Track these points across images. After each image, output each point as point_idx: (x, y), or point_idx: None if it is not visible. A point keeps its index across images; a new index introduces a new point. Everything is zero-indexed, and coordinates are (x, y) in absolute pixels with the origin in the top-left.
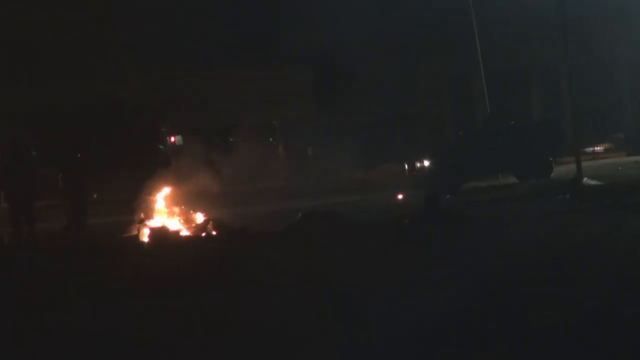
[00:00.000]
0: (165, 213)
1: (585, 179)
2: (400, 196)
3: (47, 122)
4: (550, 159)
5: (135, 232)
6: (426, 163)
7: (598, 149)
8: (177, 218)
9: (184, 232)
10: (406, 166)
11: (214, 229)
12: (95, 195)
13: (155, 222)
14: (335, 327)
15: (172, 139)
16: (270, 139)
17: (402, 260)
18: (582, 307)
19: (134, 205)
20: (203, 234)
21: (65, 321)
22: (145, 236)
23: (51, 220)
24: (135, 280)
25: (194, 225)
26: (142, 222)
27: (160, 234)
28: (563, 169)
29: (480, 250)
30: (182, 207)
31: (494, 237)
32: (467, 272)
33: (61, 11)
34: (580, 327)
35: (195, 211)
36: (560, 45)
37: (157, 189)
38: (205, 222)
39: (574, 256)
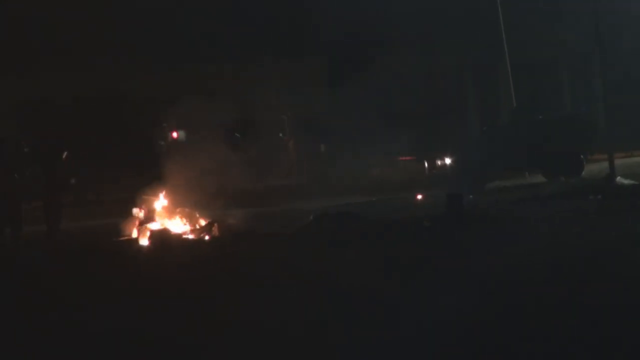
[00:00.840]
0: (167, 214)
1: (618, 178)
2: (420, 196)
3: (38, 117)
4: (581, 156)
5: (134, 235)
6: (447, 160)
7: None
8: (180, 219)
9: (187, 235)
10: (426, 164)
11: (220, 231)
12: (73, 181)
13: (156, 223)
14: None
15: (174, 134)
16: (280, 135)
17: (422, 265)
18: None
19: (133, 205)
20: (207, 237)
21: (57, 329)
22: (145, 239)
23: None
24: (132, 287)
25: (197, 227)
26: (142, 223)
27: (161, 237)
28: (595, 167)
29: (505, 254)
30: (185, 207)
31: (521, 241)
32: (490, 277)
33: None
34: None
35: (199, 212)
36: (595, 33)
37: (158, 188)
38: (210, 223)
39: (608, 261)
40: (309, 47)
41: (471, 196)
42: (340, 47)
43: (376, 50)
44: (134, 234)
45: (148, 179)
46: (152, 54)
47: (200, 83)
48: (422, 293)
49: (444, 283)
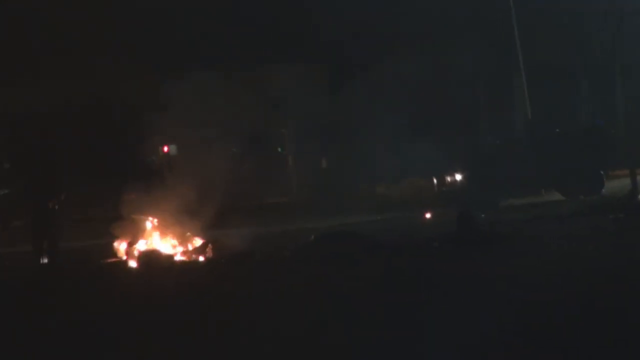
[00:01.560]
0: (158, 234)
1: None
2: (428, 215)
3: (18, 127)
4: (601, 172)
5: (122, 257)
6: (458, 177)
7: None
8: (172, 240)
9: (179, 257)
10: (435, 180)
11: (214, 252)
12: (63, 197)
13: (146, 244)
14: None
15: (165, 148)
16: (279, 149)
17: (427, 290)
18: None
19: (121, 225)
20: (201, 259)
21: None
22: (134, 261)
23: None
24: (117, 315)
25: (190, 248)
26: (130, 244)
27: (151, 259)
28: (616, 184)
29: (518, 279)
30: (177, 227)
31: (536, 264)
32: (501, 305)
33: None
34: None
35: (192, 232)
36: (613, 40)
37: (148, 206)
38: (204, 244)
39: (631, 285)
40: (310, 54)
41: (483, 215)
42: (343, 55)
43: (382, 58)
44: (123, 256)
45: (137, 195)
46: (139, 59)
47: (193, 93)
48: (424, 321)
49: (451, 308)
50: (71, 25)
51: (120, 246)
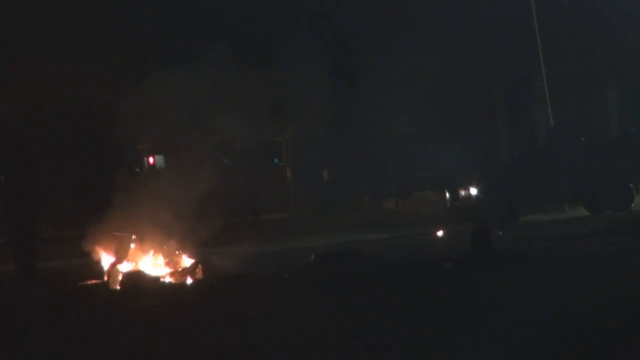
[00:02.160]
0: (142, 254)
1: None
2: (440, 232)
3: None
4: (631, 185)
5: (102, 278)
6: (473, 190)
7: None
8: (158, 260)
9: (166, 278)
10: (448, 194)
11: (205, 273)
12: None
13: (129, 265)
14: None
15: (151, 159)
16: (276, 160)
17: (437, 317)
18: None
19: (102, 243)
20: (190, 281)
21: None
22: (115, 283)
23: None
24: (97, 345)
25: (179, 268)
26: (112, 265)
27: (134, 281)
28: None
29: (541, 304)
30: (164, 245)
31: (558, 287)
32: (520, 337)
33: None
34: None
35: (180, 251)
36: None
37: (131, 222)
38: (194, 265)
39: None
40: (312, 55)
41: (500, 232)
42: (348, 58)
43: (391, 61)
44: (102, 278)
45: (118, 211)
46: (121, 60)
47: (182, 98)
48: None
49: (464, 343)
50: (52, 25)
51: (102, 267)
